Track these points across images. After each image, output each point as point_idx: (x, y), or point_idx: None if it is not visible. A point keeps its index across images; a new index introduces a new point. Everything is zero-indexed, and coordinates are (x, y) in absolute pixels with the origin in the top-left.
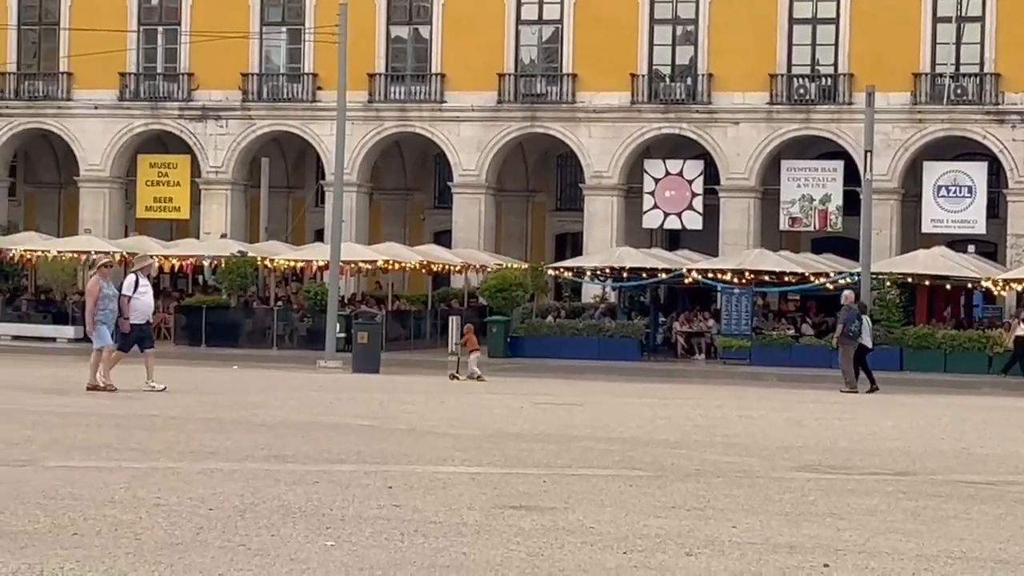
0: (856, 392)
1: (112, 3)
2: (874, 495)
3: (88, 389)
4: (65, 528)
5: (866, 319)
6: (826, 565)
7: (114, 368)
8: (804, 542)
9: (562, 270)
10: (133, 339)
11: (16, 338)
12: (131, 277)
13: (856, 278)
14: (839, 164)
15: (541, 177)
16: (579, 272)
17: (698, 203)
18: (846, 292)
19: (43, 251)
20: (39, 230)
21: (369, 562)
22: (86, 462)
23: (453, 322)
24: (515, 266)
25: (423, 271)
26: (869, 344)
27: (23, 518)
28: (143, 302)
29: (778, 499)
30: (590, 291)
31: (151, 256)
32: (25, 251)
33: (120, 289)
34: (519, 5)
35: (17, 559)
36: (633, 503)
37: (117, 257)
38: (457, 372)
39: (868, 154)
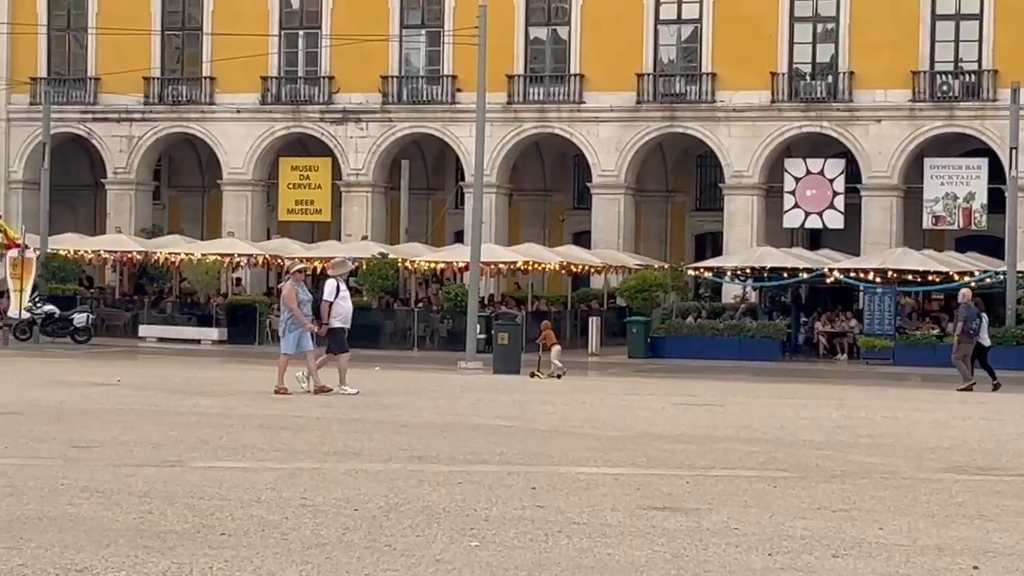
0: (973, 388)
1: (254, 8)
2: None
3: (275, 392)
4: (213, 528)
5: (984, 317)
6: (975, 567)
7: (321, 369)
8: (952, 544)
9: (702, 270)
10: (332, 343)
11: (161, 340)
12: (332, 282)
13: (1001, 277)
14: (983, 161)
15: (680, 177)
16: (719, 272)
17: (839, 202)
18: (963, 290)
19: (187, 254)
20: (183, 233)
21: (514, 563)
22: (232, 463)
23: (593, 323)
24: (655, 266)
25: (562, 272)
26: (987, 342)
27: (172, 518)
28: (344, 307)
29: (925, 500)
30: (730, 291)
31: (351, 260)
32: (170, 254)
33: (319, 294)
34: (658, 4)
35: (167, 558)
36: (778, 504)
37: (303, 263)
38: (538, 370)
39: (1013, 151)
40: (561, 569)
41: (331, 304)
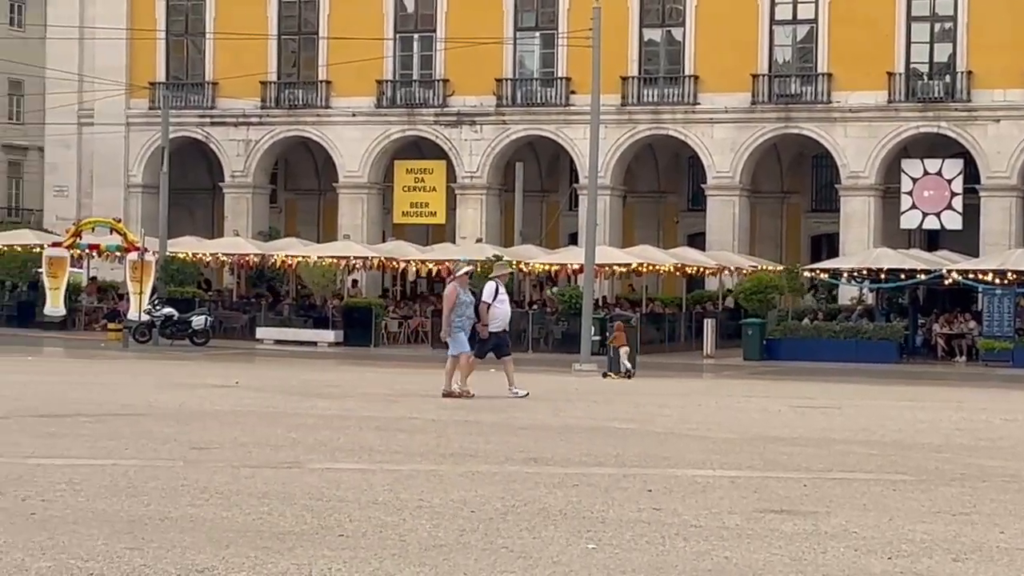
0: None
1: (369, 12)
2: None
3: (444, 396)
4: (331, 529)
5: None
6: None
7: (471, 375)
8: None
9: (818, 272)
10: (490, 346)
11: (278, 342)
12: (491, 284)
13: None
14: None
15: (796, 178)
16: (835, 273)
17: (957, 203)
18: None
19: (304, 256)
20: (299, 236)
21: (631, 565)
22: (350, 464)
23: (708, 325)
24: (770, 268)
25: (677, 273)
26: None
27: (291, 519)
28: (502, 310)
29: None
30: (847, 293)
31: (510, 263)
32: (286, 256)
33: (478, 296)
34: (773, 5)
35: (286, 559)
36: (896, 508)
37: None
38: (610, 370)
39: None
40: (679, 572)
41: (489, 306)
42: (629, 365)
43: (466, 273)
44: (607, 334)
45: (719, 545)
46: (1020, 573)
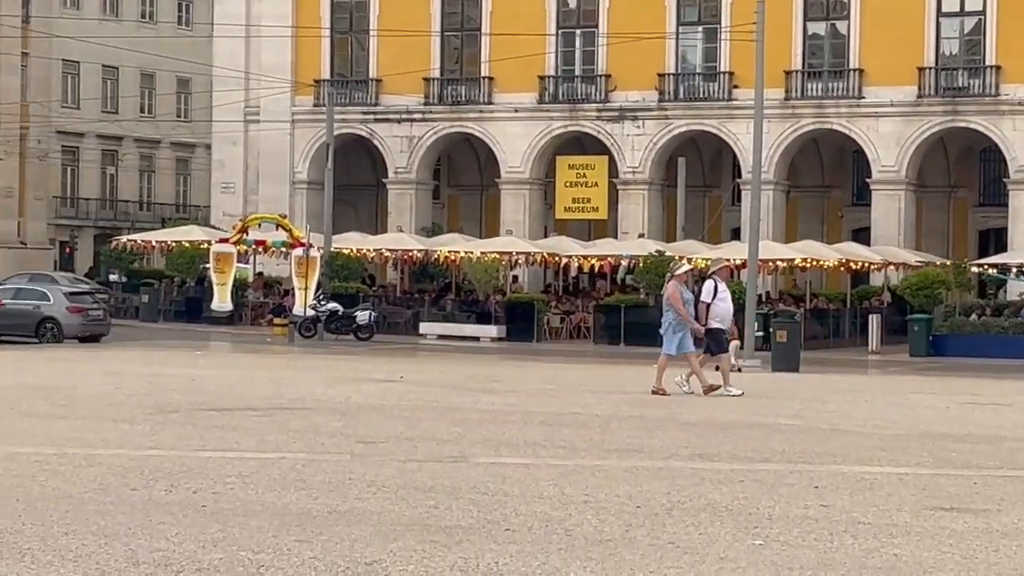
0: None
1: (531, 7)
2: None
3: (705, 392)
4: (497, 523)
5: None
6: None
7: (705, 369)
8: None
9: (986, 267)
10: (708, 344)
11: (441, 337)
12: (710, 283)
13: None
14: None
15: (963, 172)
16: (1004, 269)
17: None
18: None
19: (466, 252)
20: (462, 231)
21: (799, 562)
22: (515, 459)
23: (873, 320)
24: (936, 263)
25: (841, 269)
26: None
27: (457, 513)
28: (723, 307)
29: None
30: (1016, 288)
31: (727, 260)
32: (449, 252)
33: (698, 295)
34: None
35: (453, 553)
36: None
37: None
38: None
39: None
40: (847, 569)
41: (709, 305)
42: (735, 360)
43: (686, 272)
44: (771, 330)
45: (888, 542)
46: None
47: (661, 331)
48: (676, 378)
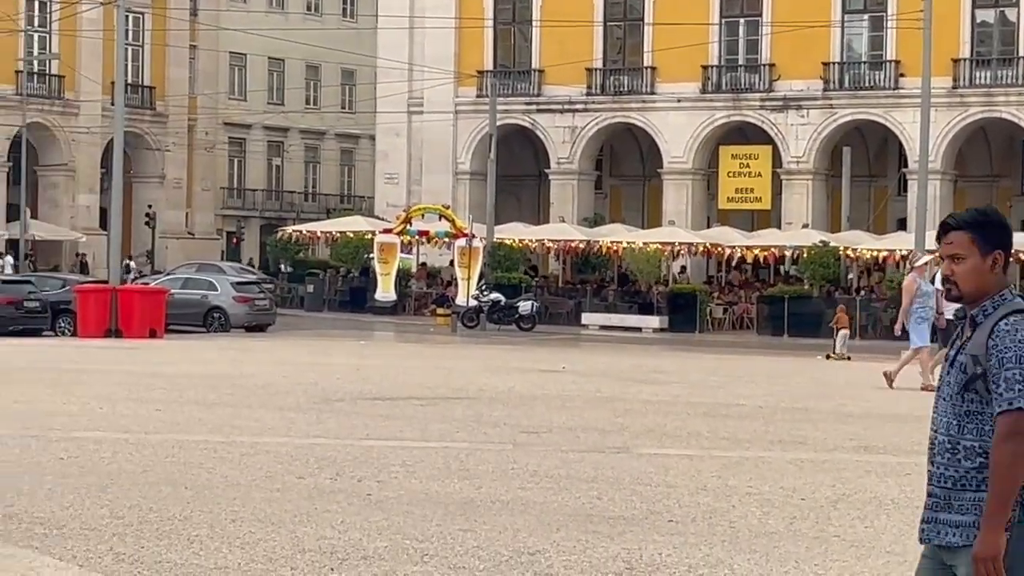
0: None
1: None
2: None
3: (922, 389)
4: (660, 515)
5: None
6: None
7: (936, 367)
8: None
9: None
10: (949, 335)
11: (603, 328)
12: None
13: None
14: None
15: None
16: None
17: None
18: None
19: (628, 242)
20: (624, 222)
21: None
22: (677, 450)
23: None
24: None
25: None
26: None
27: (620, 504)
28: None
29: None
30: None
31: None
32: (611, 242)
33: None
34: None
35: (616, 544)
36: None
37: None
38: (833, 352)
39: None
40: None
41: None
42: (844, 350)
43: (925, 263)
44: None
45: None
46: None
47: (906, 324)
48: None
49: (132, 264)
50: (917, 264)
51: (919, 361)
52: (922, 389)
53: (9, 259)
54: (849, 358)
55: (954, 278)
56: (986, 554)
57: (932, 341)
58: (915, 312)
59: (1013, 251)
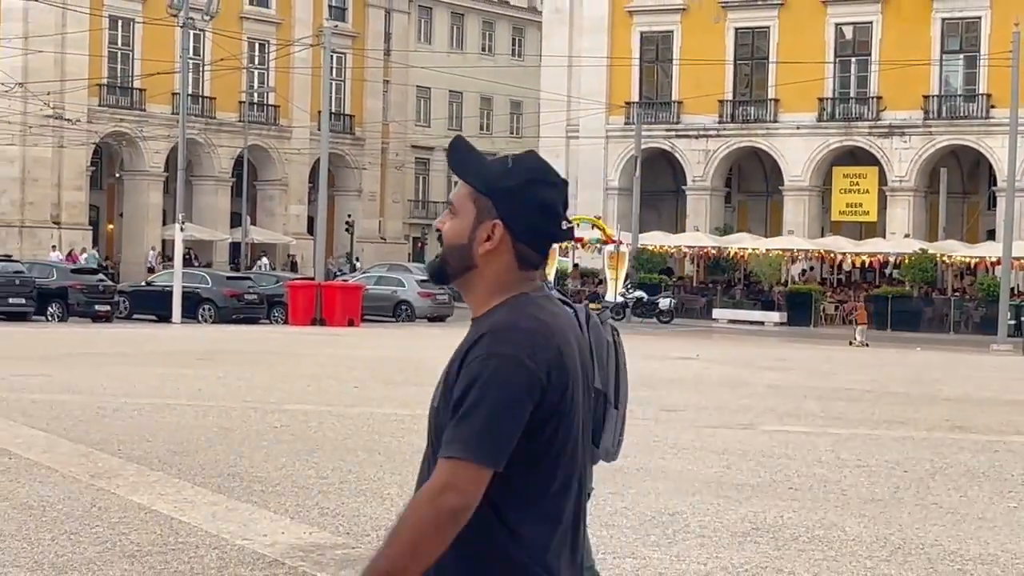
0: None
1: (813, 39)
2: None
3: None
4: (781, 483)
5: None
6: None
7: None
8: None
9: None
10: None
11: (731, 321)
12: None
13: None
14: None
15: None
16: None
17: None
18: None
19: (753, 249)
20: (750, 232)
21: None
22: (796, 427)
23: None
24: None
25: None
26: None
27: (747, 473)
28: None
29: None
30: None
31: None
32: (739, 249)
33: None
34: None
35: (744, 507)
36: None
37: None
38: (854, 338)
39: None
40: None
41: None
42: (862, 339)
43: None
44: (1022, 319)
45: None
46: None
47: None
48: None
49: (333, 263)
50: None
51: None
52: None
53: (265, 260)
54: (867, 345)
55: None
56: None
57: None
58: None
59: None
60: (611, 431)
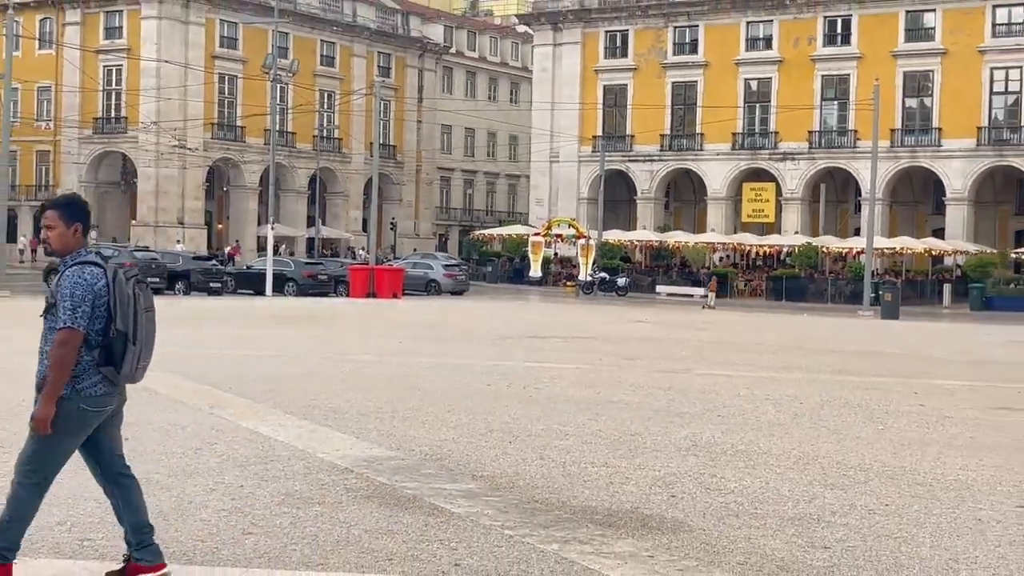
0: None
1: (728, 90)
2: None
3: None
4: (711, 412)
5: None
6: None
7: None
8: None
9: (1021, 255)
10: None
11: (669, 295)
12: None
13: None
14: None
15: (1007, 191)
16: None
17: None
18: None
19: (685, 242)
20: (682, 229)
21: (907, 439)
22: (721, 371)
23: (946, 288)
24: (987, 251)
25: (925, 254)
26: None
27: (687, 405)
28: None
29: None
30: None
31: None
32: (675, 242)
33: None
34: None
35: (685, 429)
36: None
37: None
38: (707, 306)
39: None
40: (940, 445)
41: None
42: (711, 303)
43: None
44: (880, 292)
45: (965, 429)
46: None
47: None
48: None
49: (361, 252)
50: None
51: None
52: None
53: (362, 252)
54: (714, 307)
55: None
56: (40, 416)
57: None
58: None
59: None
60: (130, 361)
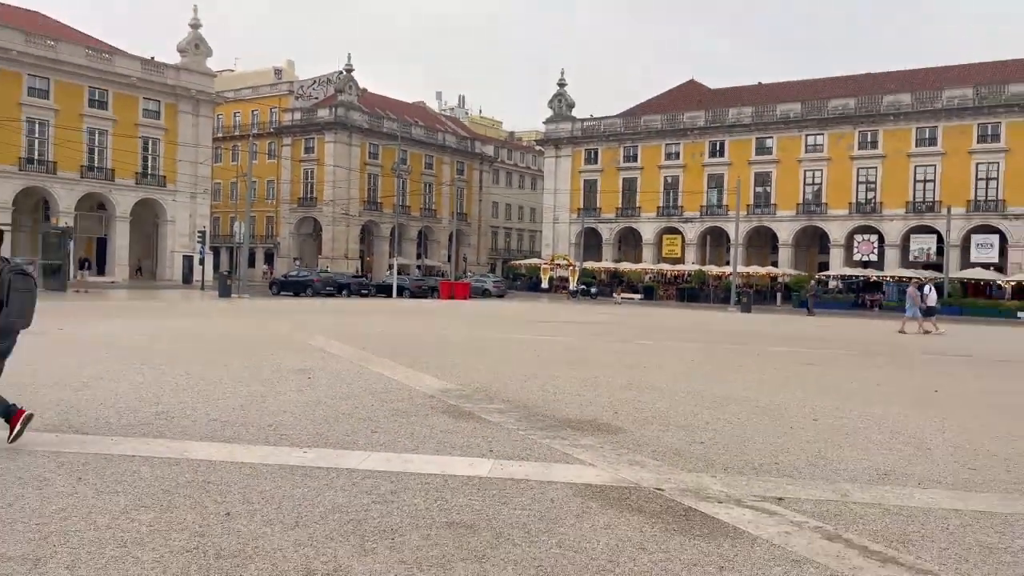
0: None
1: (654, 182)
2: None
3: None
4: (646, 364)
5: None
6: None
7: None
8: None
9: (822, 276)
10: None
11: (622, 299)
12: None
13: None
14: None
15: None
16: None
17: None
18: None
19: (630, 268)
20: (629, 261)
21: (751, 381)
22: (648, 341)
23: (779, 295)
24: (802, 273)
25: (768, 276)
26: None
27: (630, 359)
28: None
29: None
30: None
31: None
32: (624, 268)
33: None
34: None
35: (628, 374)
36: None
37: None
38: (617, 301)
39: None
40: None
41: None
42: (620, 300)
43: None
44: (739, 296)
45: (786, 374)
46: None
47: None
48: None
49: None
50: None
51: None
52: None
53: (446, 272)
54: (620, 303)
55: None
56: None
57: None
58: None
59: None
60: (2, 318)
